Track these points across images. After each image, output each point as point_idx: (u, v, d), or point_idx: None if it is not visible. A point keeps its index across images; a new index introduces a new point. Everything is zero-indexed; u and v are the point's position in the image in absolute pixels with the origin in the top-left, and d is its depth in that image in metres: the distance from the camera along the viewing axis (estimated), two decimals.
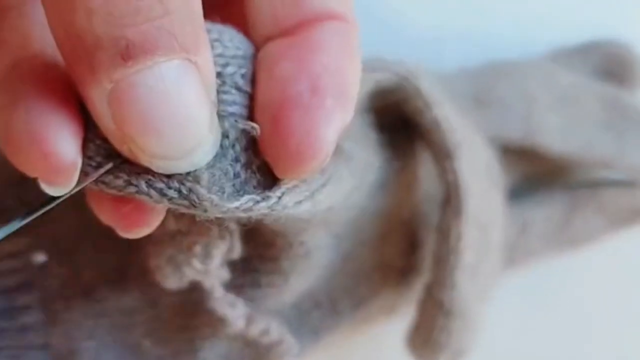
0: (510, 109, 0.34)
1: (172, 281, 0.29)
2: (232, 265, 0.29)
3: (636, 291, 0.40)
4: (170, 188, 0.20)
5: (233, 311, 0.30)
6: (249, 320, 0.30)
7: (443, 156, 0.31)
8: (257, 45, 0.23)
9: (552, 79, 0.36)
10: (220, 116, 0.21)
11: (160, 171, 0.20)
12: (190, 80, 0.19)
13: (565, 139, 0.35)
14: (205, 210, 0.20)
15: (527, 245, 0.36)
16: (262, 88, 0.21)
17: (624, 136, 0.36)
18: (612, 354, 0.39)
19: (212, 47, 0.21)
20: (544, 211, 0.36)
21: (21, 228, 0.21)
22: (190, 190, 0.20)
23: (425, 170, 0.34)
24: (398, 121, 0.32)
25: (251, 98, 0.22)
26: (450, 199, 0.31)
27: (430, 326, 0.32)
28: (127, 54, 0.18)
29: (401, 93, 0.31)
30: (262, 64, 0.22)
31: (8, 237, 0.21)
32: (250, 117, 0.22)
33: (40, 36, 0.22)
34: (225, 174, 0.21)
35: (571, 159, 0.36)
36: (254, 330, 0.31)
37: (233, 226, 0.28)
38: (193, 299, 0.31)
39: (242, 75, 0.22)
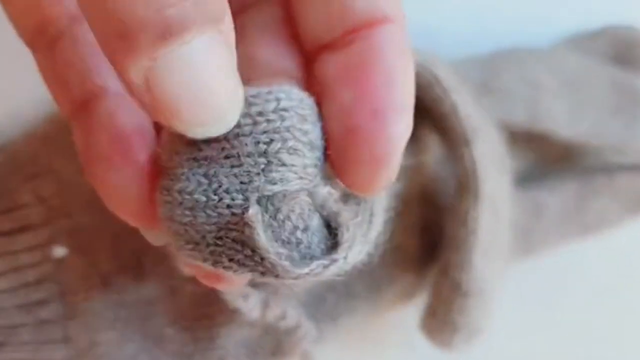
0: (515, 96, 0.35)
1: None
2: None
3: (636, 291, 0.40)
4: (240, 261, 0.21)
5: (246, 303, 0.30)
6: (265, 306, 0.31)
7: (461, 143, 0.32)
8: (310, 54, 0.23)
9: (559, 64, 0.36)
10: (268, 197, 0.21)
11: (198, 137, 0.20)
12: (219, 49, 0.19)
13: (573, 124, 0.35)
14: (277, 276, 0.20)
15: (543, 230, 0.36)
16: (326, 117, 0.22)
17: (635, 120, 0.36)
18: (612, 354, 0.40)
19: (256, 122, 0.20)
20: (558, 196, 0.36)
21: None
22: (261, 258, 0.20)
23: (433, 154, 0.34)
24: None
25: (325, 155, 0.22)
26: (468, 185, 0.32)
27: (447, 308, 0.32)
28: (170, 32, 0.18)
29: (418, 80, 0.31)
30: (323, 87, 0.22)
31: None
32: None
33: (98, 67, 0.23)
34: (288, 243, 0.21)
35: (580, 144, 0.36)
36: (270, 316, 0.31)
37: None
38: (211, 288, 0.31)
39: (289, 149, 0.21)
